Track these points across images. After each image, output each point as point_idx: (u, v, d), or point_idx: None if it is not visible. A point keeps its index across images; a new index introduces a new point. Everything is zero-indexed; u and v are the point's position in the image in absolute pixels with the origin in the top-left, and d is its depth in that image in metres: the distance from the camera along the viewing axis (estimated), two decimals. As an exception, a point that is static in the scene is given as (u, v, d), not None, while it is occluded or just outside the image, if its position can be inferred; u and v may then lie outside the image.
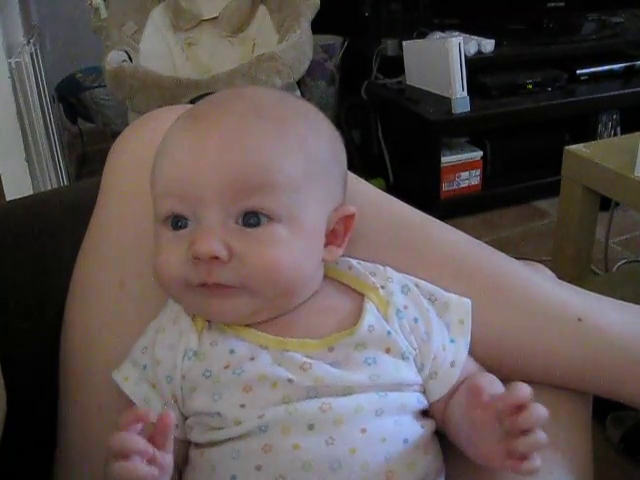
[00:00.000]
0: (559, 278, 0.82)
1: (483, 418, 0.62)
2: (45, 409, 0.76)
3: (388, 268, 0.73)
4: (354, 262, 0.73)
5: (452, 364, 0.69)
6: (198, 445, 0.66)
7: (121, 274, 0.75)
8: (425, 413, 0.69)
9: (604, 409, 1.63)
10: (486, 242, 0.81)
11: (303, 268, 0.66)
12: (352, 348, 0.66)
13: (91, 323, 0.75)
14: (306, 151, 0.67)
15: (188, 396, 0.66)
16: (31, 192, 1.97)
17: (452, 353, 0.70)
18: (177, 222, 0.65)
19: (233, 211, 0.63)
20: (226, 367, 0.65)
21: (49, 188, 2.14)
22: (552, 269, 0.86)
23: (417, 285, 0.73)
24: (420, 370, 0.69)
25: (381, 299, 0.70)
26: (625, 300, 0.80)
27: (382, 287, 0.71)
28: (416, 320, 0.70)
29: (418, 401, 0.68)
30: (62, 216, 0.87)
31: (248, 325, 0.67)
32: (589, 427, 0.77)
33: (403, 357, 0.67)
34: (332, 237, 0.70)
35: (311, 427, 0.62)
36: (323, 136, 0.70)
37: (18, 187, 1.97)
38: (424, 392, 0.69)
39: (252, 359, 0.65)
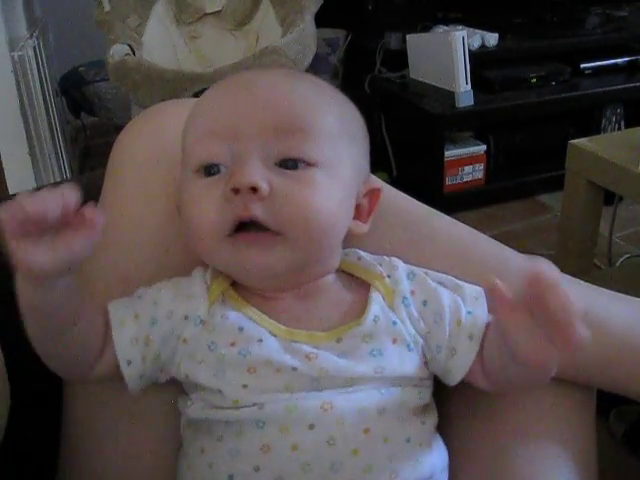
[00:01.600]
0: (562, 272, 0.82)
1: (516, 320, 0.57)
2: (48, 411, 0.76)
3: (394, 258, 0.73)
4: (363, 253, 0.73)
5: (470, 337, 0.67)
6: (195, 431, 0.66)
7: (126, 271, 0.74)
8: (426, 408, 0.68)
9: (607, 403, 1.63)
10: (489, 236, 0.81)
11: (338, 218, 0.66)
12: (359, 339, 0.66)
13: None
14: (341, 112, 0.69)
15: (190, 364, 0.65)
16: (34, 186, 1.97)
17: (469, 326, 0.67)
18: (211, 170, 0.64)
19: (273, 153, 0.63)
20: (232, 344, 0.64)
21: (52, 182, 2.13)
22: (555, 263, 0.86)
23: (426, 273, 0.72)
24: (437, 353, 0.67)
25: (387, 287, 0.69)
26: (629, 294, 0.79)
27: (388, 276, 0.70)
28: (425, 303, 0.69)
29: (419, 397, 0.67)
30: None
31: (261, 311, 0.66)
32: (593, 422, 0.77)
33: (409, 348, 0.67)
34: (358, 212, 0.70)
35: (312, 427, 0.61)
36: (355, 111, 0.72)
37: (21, 181, 1.97)
38: (427, 386, 0.69)
39: (260, 341, 0.64)
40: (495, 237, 0.81)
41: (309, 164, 0.64)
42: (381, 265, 0.72)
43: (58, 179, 2.22)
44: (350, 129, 0.69)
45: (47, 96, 2.27)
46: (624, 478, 1.53)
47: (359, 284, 0.71)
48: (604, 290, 0.78)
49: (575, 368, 0.74)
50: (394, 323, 0.67)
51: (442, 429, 0.69)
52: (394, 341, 0.66)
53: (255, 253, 0.63)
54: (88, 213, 0.55)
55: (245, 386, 0.63)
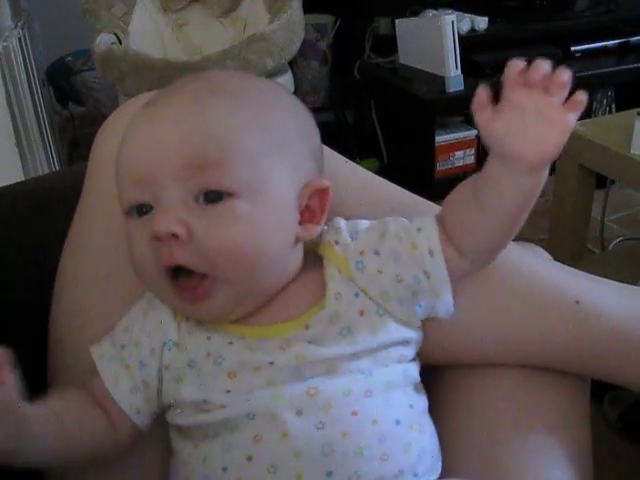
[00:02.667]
0: (555, 257, 0.81)
1: (507, 119, 0.62)
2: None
3: (336, 218, 0.71)
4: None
5: (431, 252, 0.66)
6: (187, 436, 0.66)
7: (107, 265, 0.74)
8: (414, 390, 0.68)
9: (601, 388, 1.63)
10: (481, 222, 0.80)
11: (267, 246, 0.64)
12: (326, 322, 0.65)
13: (77, 316, 0.74)
14: (264, 125, 0.65)
15: (173, 387, 0.65)
16: (22, 177, 1.95)
17: (424, 242, 0.67)
18: (141, 210, 0.63)
19: (191, 189, 0.61)
20: (207, 355, 0.64)
21: (40, 173, 2.12)
22: (548, 248, 0.85)
23: (369, 223, 0.70)
24: (418, 285, 0.66)
25: (339, 257, 0.68)
26: (622, 278, 0.79)
27: (336, 242, 0.69)
28: (377, 252, 0.67)
29: (404, 374, 0.66)
30: (53, 202, 0.86)
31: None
32: (587, 411, 0.77)
33: (378, 314, 0.66)
34: (308, 214, 0.67)
35: (299, 413, 0.61)
36: (285, 111, 0.68)
37: (8, 172, 1.95)
38: (411, 361, 0.68)
39: (230, 343, 0.64)
40: (487, 222, 0.80)
41: (229, 194, 0.61)
42: (328, 231, 0.70)
43: (46, 170, 2.21)
44: (278, 139, 0.65)
45: (34, 87, 2.25)
46: (618, 462, 1.54)
47: (315, 260, 0.69)
48: (596, 278, 0.77)
49: (569, 357, 0.74)
50: (356, 295, 0.66)
51: (435, 420, 0.69)
52: (361, 313, 0.66)
53: (194, 305, 0.63)
54: None
55: (229, 391, 0.63)
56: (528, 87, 0.61)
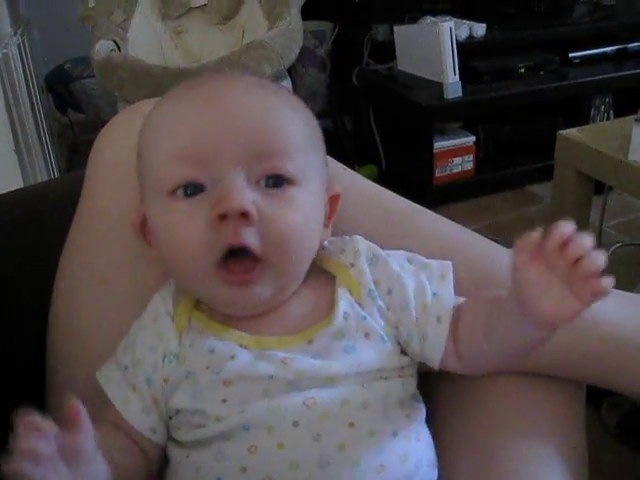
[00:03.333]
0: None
1: (535, 273, 0.57)
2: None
3: (356, 237, 0.71)
4: (325, 242, 0.72)
5: (438, 320, 0.66)
6: (182, 445, 0.65)
7: (105, 272, 0.74)
8: (412, 400, 0.68)
9: (600, 394, 1.63)
10: (480, 227, 0.80)
11: (314, 236, 0.66)
12: (331, 338, 0.65)
13: (75, 320, 0.74)
14: (306, 122, 0.68)
15: (170, 397, 0.65)
16: (21, 183, 1.96)
17: (435, 309, 0.67)
18: (188, 190, 0.62)
19: (254, 172, 0.62)
20: (207, 368, 0.64)
21: (39, 179, 2.12)
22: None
23: (389, 254, 0.71)
24: (410, 341, 0.67)
25: (352, 280, 0.68)
26: (620, 283, 0.79)
27: (352, 265, 0.69)
28: (389, 292, 0.68)
29: (403, 388, 0.66)
30: (51, 209, 0.86)
31: (228, 324, 0.66)
32: (583, 417, 0.77)
33: (382, 340, 0.66)
34: None
35: (296, 424, 0.61)
36: (311, 114, 0.70)
37: (8, 179, 1.95)
38: (411, 375, 0.68)
39: (232, 357, 0.63)
40: (485, 228, 0.81)
41: (290, 181, 0.63)
42: (344, 251, 0.70)
43: (45, 176, 2.21)
44: (314, 137, 0.68)
45: (33, 93, 2.26)
46: (616, 468, 1.54)
47: (325, 276, 0.70)
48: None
49: (565, 364, 0.74)
50: (364, 318, 0.66)
51: (431, 427, 0.69)
52: (366, 336, 0.66)
53: (239, 290, 0.62)
54: (72, 417, 0.53)
55: (224, 401, 0.62)
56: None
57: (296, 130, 0.65)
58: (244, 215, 0.59)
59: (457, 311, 0.67)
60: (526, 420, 0.73)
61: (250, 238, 0.60)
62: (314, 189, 0.65)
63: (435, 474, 0.67)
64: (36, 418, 0.52)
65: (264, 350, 0.64)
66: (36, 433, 0.51)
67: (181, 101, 0.66)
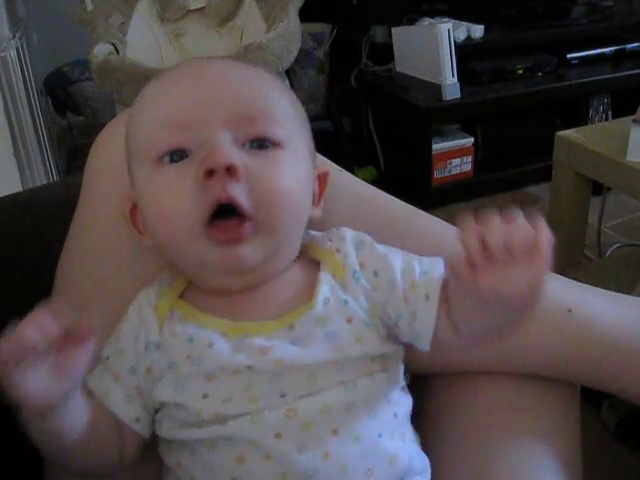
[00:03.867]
0: (552, 264, 0.81)
1: (482, 281, 0.57)
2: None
3: (343, 228, 0.71)
4: (314, 233, 0.72)
5: (426, 297, 0.65)
6: (170, 451, 0.65)
7: (102, 275, 0.74)
8: (398, 396, 0.67)
9: (600, 395, 1.63)
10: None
11: (304, 199, 0.66)
12: (312, 323, 0.64)
13: None
14: (292, 100, 0.69)
15: (154, 387, 0.65)
16: (20, 187, 1.96)
17: (423, 286, 0.66)
18: (175, 156, 0.63)
19: (241, 135, 0.63)
20: (187, 357, 0.63)
21: (38, 182, 2.12)
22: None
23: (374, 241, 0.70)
24: (398, 320, 0.66)
25: (336, 263, 0.68)
26: (619, 284, 0.79)
27: (337, 250, 0.69)
28: (375, 273, 0.67)
29: (389, 382, 0.66)
30: (49, 213, 0.86)
31: (208, 312, 0.66)
32: (578, 418, 0.77)
33: (365, 325, 0.65)
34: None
35: (279, 436, 0.60)
36: (295, 98, 0.72)
37: (7, 182, 1.96)
38: (397, 366, 0.68)
39: (210, 345, 0.63)
40: (484, 230, 0.81)
41: (276, 144, 0.63)
42: (331, 239, 0.70)
43: (44, 179, 2.21)
44: (300, 114, 0.70)
45: (31, 96, 2.26)
46: (616, 469, 1.54)
47: (311, 264, 0.70)
48: (590, 288, 0.78)
49: (560, 366, 0.74)
50: (345, 302, 0.66)
51: (425, 428, 0.69)
52: (348, 320, 0.65)
53: (228, 250, 0.62)
54: (80, 332, 0.54)
55: (205, 396, 0.62)
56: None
57: (280, 99, 0.67)
58: (230, 170, 0.59)
59: (446, 284, 0.65)
60: (521, 420, 0.73)
61: (238, 193, 0.60)
62: (300, 156, 0.66)
63: (428, 474, 0.67)
64: (47, 315, 0.52)
65: (244, 337, 0.63)
66: (38, 326, 0.52)
67: (167, 77, 0.67)
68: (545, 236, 0.55)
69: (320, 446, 0.60)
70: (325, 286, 0.66)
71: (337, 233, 0.71)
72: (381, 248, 0.69)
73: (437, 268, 0.67)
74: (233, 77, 0.66)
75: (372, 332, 0.66)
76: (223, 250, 0.62)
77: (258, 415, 0.61)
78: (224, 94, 0.64)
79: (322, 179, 0.71)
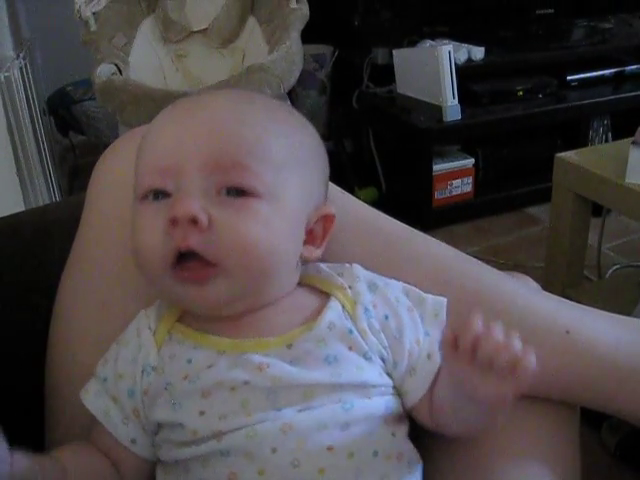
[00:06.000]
0: (552, 285, 0.82)
1: (464, 367, 0.60)
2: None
3: (356, 265, 0.72)
4: (323, 266, 0.73)
5: (428, 356, 0.67)
6: (166, 470, 0.65)
7: (103, 295, 0.74)
8: (396, 419, 0.68)
9: (599, 416, 1.62)
10: (478, 249, 0.81)
11: (280, 249, 0.65)
12: (312, 344, 0.65)
13: (73, 344, 0.75)
14: (291, 140, 0.68)
15: (150, 409, 0.65)
16: (22, 206, 1.96)
17: (427, 346, 0.68)
18: (158, 196, 0.64)
19: (215, 182, 0.63)
20: (185, 377, 0.64)
21: (40, 201, 2.13)
22: (545, 276, 0.86)
23: (387, 284, 0.72)
24: (394, 369, 0.67)
25: (348, 298, 0.69)
26: (619, 305, 0.80)
27: (350, 287, 0.70)
28: (386, 317, 0.68)
29: (386, 407, 0.66)
30: (50, 234, 0.87)
31: (206, 332, 0.66)
32: (577, 439, 0.77)
33: (366, 357, 0.66)
34: (310, 237, 0.69)
35: (274, 450, 0.60)
36: (308, 134, 0.71)
37: (9, 201, 1.96)
38: (394, 394, 0.68)
39: (209, 367, 0.64)
40: (484, 250, 0.81)
41: (250, 194, 0.63)
42: (342, 275, 0.71)
43: (46, 198, 2.22)
44: (299, 156, 0.68)
45: (34, 116, 2.27)
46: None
47: (319, 294, 0.70)
48: (588, 309, 0.78)
49: (559, 387, 0.74)
50: (350, 331, 0.66)
51: (421, 449, 0.69)
52: (350, 348, 0.66)
53: (192, 289, 0.63)
54: None
55: (202, 413, 0.62)
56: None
57: (268, 146, 0.65)
58: (194, 221, 0.60)
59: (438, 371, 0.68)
60: (519, 442, 0.73)
61: (198, 243, 0.61)
62: (286, 205, 0.65)
63: None
64: None
65: (242, 354, 0.64)
66: None
67: (163, 117, 0.68)
68: (528, 364, 0.58)
69: (314, 462, 0.60)
70: (332, 312, 0.67)
71: (350, 270, 0.72)
72: (391, 296, 0.70)
73: (438, 331, 0.69)
74: (221, 121, 0.65)
75: (372, 366, 0.66)
76: (187, 288, 0.63)
77: (254, 429, 0.61)
78: (204, 141, 0.63)
79: (327, 221, 0.71)
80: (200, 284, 0.63)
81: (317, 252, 0.70)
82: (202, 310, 0.66)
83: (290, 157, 0.67)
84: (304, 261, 0.70)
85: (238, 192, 0.63)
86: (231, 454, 0.61)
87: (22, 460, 0.57)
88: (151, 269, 0.65)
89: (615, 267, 2.36)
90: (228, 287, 0.63)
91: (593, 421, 1.62)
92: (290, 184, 0.66)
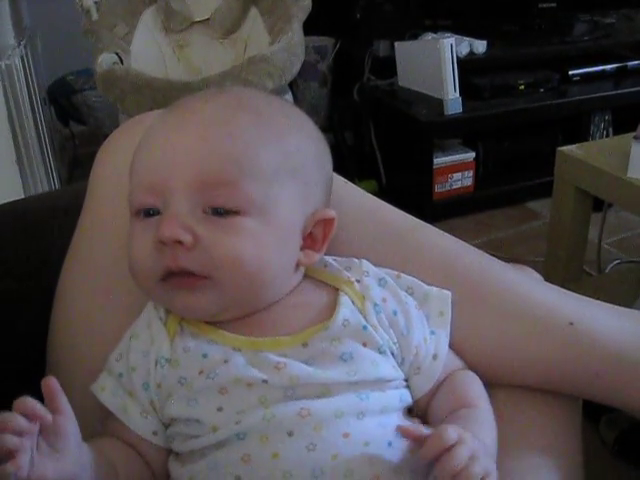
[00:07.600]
0: (552, 279, 0.82)
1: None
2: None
3: (364, 261, 0.72)
4: (330, 259, 0.73)
5: (434, 357, 0.69)
6: (179, 457, 0.65)
7: (106, 282, 0.75)
8: (410, 411, 0.68)
9: (598, 411, 1.63)
10: (479, 243, 0.81)
11: (270, 263, 0.65)
12: (327, 343, 0.65)
13: (76, 331, 0.75)
14: (284, 146, 0.67)
15: (164, 403, 0.65)
16: (22, 194, 1.96)
17: (433, 346, 0.69)
18: (148, 212, 0.65)
19: (200, 201, 0.63)
20: (200, 372, 0.64)
21: (40, 190, 2.13)
22: (545, 270, 0.86)
23: (398, 277, 0.72)
24: (400, 364, 0.68)
25: (356, 293, 0.69)
26: (618, 301, 0.79)
27: (357, 281, 0.70)
28: (395, 313, 0.69)
29: (401, 400, 0.67)
30: (53, 220, 0.87)
31: (220, 327, 0.67)
32: (579, 432, 0.77)
33: (380, 351, 0.67)
34: (310, 241, 0.69)
35: (290, 434, 0.61)
36: (305, 137, 0.70)
37: (9, 189, 1.96)
38: (407, 387, 0.69)
39: (225, 362, 0.64)
40: (484, 244, 0.81)
41: (236, 212, 0.63)
42: (350, 269, 0.72)
43: (46, 187, 2.22)
44: (293, 162, 0.67)
45: (35, 105, 2.27)
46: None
47: (327, 289, 0.70)
48: (592, 300, 0.78)
49: (563, 379, 0.74)
50: (364, 328, 0.67)
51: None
52: (364, 345, 0.66)
53: (184, 296, 0.64)
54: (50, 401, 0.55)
55: (220, 409, 0.62)
56: None
57: (261, 155, 0.65)
58: (179, 242, 0.61)
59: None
60: (522, 435, 0.73)
61: (188, 262, 0.62)
62: (277, 216, 0.65)
63: None
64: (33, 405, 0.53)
65: (258, 352, 0.64)
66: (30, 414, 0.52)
67: (158, 123, 0.68)
68: None
69: (330, 447, 0.61)
70: (345, 309, 0.68)
71: (358, 265, 0.72)
72: (403, 293, 0.71)
73: (443, 331, 0.71)
74: (208, 136, 0.64)
75: (387, 359, 0.67)
76: (177, 294, 0.64)
77: (272, 412, 0.61)
78: (191, 158, 0.63)
79: (327, 224, 0.70)
80: (190, 291, 0.64)
81: (317, 256, 0.70)
82: (194, 316, 0.67)
83: (282, 165, 0.66)
84: (302, 265, 0.70)
85: (223, 211, 0.63)
86: (247, 437, 0.61)
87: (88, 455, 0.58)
88: (143, 280, 0.66)
89: (615, 262, 2.37)
90: (219, 296, 0.64)
91: (592, 416, 1.62)
92: (282, 194, 0.66)
